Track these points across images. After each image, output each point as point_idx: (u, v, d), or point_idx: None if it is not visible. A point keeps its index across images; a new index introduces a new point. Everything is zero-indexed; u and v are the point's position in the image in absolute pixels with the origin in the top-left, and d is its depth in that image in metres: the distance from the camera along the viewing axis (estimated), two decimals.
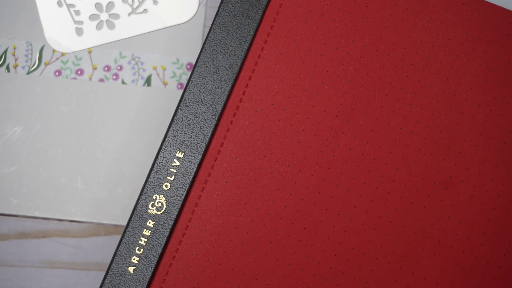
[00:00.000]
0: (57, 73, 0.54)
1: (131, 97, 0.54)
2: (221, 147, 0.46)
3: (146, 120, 0.54)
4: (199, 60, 0.47)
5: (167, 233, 0.46)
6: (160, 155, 0.46)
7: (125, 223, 0.53)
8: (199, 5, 0.54)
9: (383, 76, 0.47)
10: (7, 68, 0.54)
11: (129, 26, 0.54)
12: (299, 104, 0.46)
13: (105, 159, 0.53)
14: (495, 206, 0.45)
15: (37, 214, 0.53)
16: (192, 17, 0.54)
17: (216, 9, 0.54)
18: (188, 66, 0.54)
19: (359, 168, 0.46)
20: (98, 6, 0.54)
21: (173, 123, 0.46)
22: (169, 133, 0.46)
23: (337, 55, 0.47)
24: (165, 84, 0.54)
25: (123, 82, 0.54)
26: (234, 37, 0.47)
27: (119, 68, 0.54)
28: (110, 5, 0.54)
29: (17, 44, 0.54)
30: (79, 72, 0.54)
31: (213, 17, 0.54)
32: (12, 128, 0.53)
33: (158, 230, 0.46)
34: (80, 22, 0.54)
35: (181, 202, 0.46)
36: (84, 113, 0.54)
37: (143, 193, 0.46)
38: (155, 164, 0.46)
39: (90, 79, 0.54)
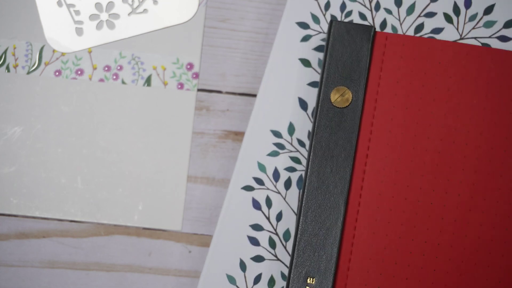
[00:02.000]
0: (57, 73, 0.54)
1: (131, 97, 0.54)
2: (349, 265, 0.48)
3: (146, 120, 0.54)
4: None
5: None
6: (290, 283, 0.47)
7: (125, 223, 0.53)
8: (199, 5, 0.54)
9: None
10: (7, 68, 0.54)
11: (129, 26, 0.54)
12: (421, 178, 0.49)
13: (105, 159, 0.53)
14: None
15: (37, 214, 0.53)
16: (192, 17, 0.54)
17: (216, 9, 0.54)
18: (188, 66, 0.54)
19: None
20: (98, 6, 0.54)
21: (295, 250, 0.47)
22: (295, 262, 0.47)
23: (445, 113, 0.49)
24: (165, 84, 0.54)
25: (123, 82, 0.54)
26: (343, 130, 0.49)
27: (119, 68, 0.54)
28: (110, 5, 0.54)
29: (17, 44, 0.54)
30: (79, 72, 0.54)
31: (213, 16, 0.54)
32: (12, 128, 0.53)
33: None
34: (80, 22, 0.54)
35: None
36: (84, 113, 0.54)
37: None
38: None
39: (90, 79, 0.54)
